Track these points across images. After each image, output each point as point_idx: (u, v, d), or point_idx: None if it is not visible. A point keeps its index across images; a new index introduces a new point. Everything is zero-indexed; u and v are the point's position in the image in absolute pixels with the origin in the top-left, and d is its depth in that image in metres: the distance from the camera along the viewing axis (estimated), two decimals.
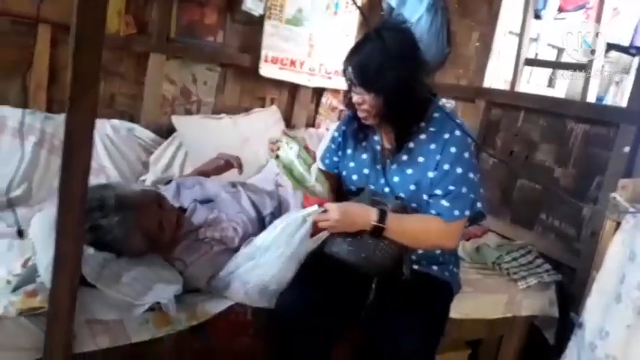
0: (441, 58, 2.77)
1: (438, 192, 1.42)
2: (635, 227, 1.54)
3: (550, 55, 3.49)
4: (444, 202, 1.41)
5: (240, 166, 1.92)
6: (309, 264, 1.48)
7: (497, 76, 2.68)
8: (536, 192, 2.28)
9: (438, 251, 1.55)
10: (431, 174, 1.43)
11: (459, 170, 1.40)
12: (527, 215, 2.31)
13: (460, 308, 1.71)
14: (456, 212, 1.41)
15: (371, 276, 1.46)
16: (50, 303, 1.12)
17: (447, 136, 1.42)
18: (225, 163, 1.93)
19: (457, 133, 1.42)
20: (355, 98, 1.43)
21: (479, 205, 1.45)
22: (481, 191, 1.48)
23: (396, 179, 1.48)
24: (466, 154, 1.42)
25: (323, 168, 1.64)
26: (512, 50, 2.61)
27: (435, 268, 1.54)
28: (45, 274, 1.24)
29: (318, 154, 1.68)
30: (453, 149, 1.41)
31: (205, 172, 1.92)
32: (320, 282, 1.43)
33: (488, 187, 2.51)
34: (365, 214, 1.39)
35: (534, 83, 3.22)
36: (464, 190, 1.41)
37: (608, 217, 1.67)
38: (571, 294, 1.95)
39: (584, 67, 2.41)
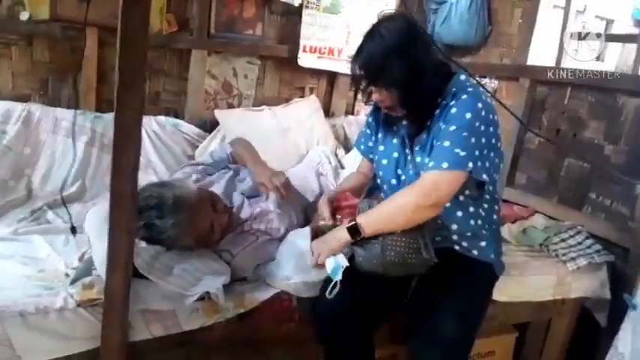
0: (482, 37, 2.70)
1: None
2: None
3: (598, 28, 3.32)
4: (425, 160, 1.38)
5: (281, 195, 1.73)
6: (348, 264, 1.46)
7: (541, 53, 2.58)
8: (585, 171, 2.20)
9: (469, 233, 1.49)
10: (435, 141, 1.40)
11: (452, 128, 1.34)
12: (575, 195, 2.23)
13: (506, 291, 1.69)
14: (431, 164, 1.34)
15: (406, 275, 1.44)
16: (106, 294, 1.18)
17: (452, 102, 1.38)
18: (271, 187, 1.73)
19: (463, 97, 1.37)
20: (374, 97, 1.43)
21: (470, 165, 1.32)
22: (490, 162, 1.37)
23: (418, 159, 1.47)
24: (467, 115, 1.34)
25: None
26: (557, 25, 2.50)
27: (475, 252, 1.51)
28: (100, 267, 1.30)
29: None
30: (453, 110, 1.37)
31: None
32: (359, 282, 1.41)
33: (534, 168, 2.45)
34: (339, 234, 1.39)
35: (581, 58, 3.08)
36: (446, 144, 1.33)
37: None
38: (624, 274, 1.88)
39: (634, 39, 2.28)
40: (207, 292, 1.35)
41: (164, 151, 2.35)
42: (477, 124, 1.35)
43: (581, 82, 2.26)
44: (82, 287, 1.31)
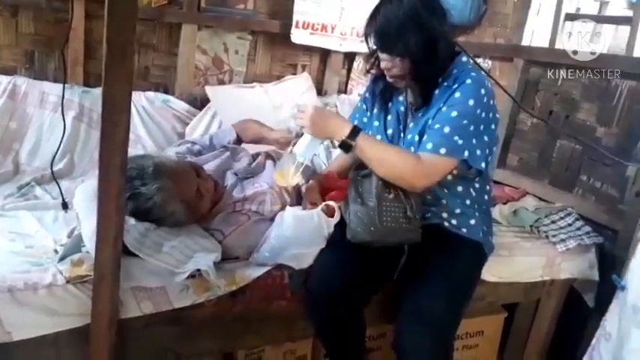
0: (477, 16, 2.67)
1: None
2: None
3: (592, 9, 3.31)
4: (424, 138, 1.38)
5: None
6: (339, 240, 1.47)
7: (536, 34, 2.57)
8: (577, 153, 2.21)
9: (458, 210, 1.50)
10: (431, 120, 1.40)
11: (453, 113, 1.35)
12: (566, 177, 2.24)
13: (496, 271, 1.70)
14: (429, 145, 1.35)
15: (402, 247, 1.45)
16: (95, 271, 1.17)
17: (455, 86, 1.37)
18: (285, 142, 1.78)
19: (468, 82, 1.37)
20: (383, 64, 1.41)
21: (466, 153, 1.35)
22: (485, 149, 1.39)
23: (409, 136, 1.47)
24: (470, 102, 1.35)
25: None
26: (551, 5, 2.49)
27: (464, 229, 1.51)
28: (89, 243, 1.29)
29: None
30: (457, 94, 1.36)
31: (267, 141, 1.87)
32: (349, 258, 1.43)
33: (526, 149, 2.45)
34: (338, 125, 1.39)
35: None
36: (447, 129, 1.34)
37: None
38: (613, 256, 1.90)
39: (629, 20, 2.28)
40: (198, 270, 1.34)
41: (153, 127, 2.31)
42: (479, 111, 1.36)
43: (575, 63, 2.25)
44: (71, 264, 1.29)
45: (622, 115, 2.05)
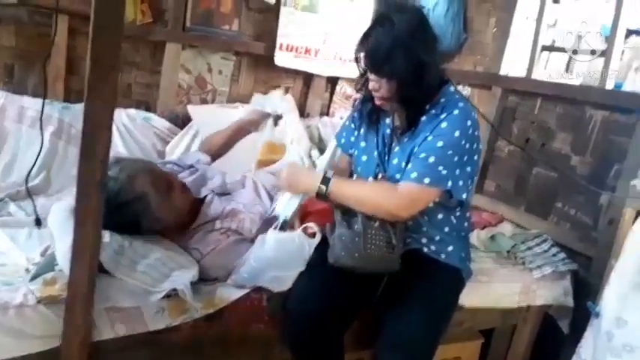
0: (457, 44, 2.74)
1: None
2: None
3: (568, 41, 3.42)
4: (409, 166, 1.41)
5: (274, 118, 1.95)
6: (319, 263, 1.47)
7: (514, 63, 2.63)
8: (552, 180, 2.26)
9: (438, 237, 1.52)
10: (417, 148, 1.42)
11: (439, 143, 1.37)
12: (542, 204, 2.29)
13: (474, 297, 1.71)
14: (413, 174, 1.37)
15: (381, 274, 1.46)
16: (69, 291, 1.14)
17: (443, 115, 1.40)
18: (260, 116, 1.94)
19: (455, 112, 1.40)
20: (371, 85, 1.44)
21: (449, 184, 1.37)
22: (467, 179, 1.42)
23: (395, 161, 1.49)
24: (456, 133, 1.37)
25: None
26: (529, 36, 2.56)
27: (442, 255, 1.52)
28: (63, 262, 1.26)
29: (333, 142, 1.70)
30: (443, 124, 1.39)
31: (243, 129, 1.96)
32: (329, 281, 1.43)
33: (503, 176, 2.49)
34: (309, 179, 1.45)
35: (551, 70, 3.17)
36: (431, 159, 1.37)
37: (628, 206, 1.65)
38: (587, 283, 1.93)
39: (602, 53, 2.36)
40: (175, 289, 1.32)
41: (133, 144, 2.29)
42: (463, 142, 1.39)
43: (551, 92, 2.32)
44: (44, 283, 1.26)
45: (596, 144, 2.11)
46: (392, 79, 1.38)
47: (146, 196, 1.44)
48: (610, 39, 2.27)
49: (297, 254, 1.47)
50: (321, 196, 1.42)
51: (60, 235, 1.36)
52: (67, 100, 2.23)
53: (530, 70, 2.54)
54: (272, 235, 1.47)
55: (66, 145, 2.12)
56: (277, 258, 1.45)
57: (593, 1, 3.13)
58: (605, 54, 2.31)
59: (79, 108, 2.14)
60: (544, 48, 2.58)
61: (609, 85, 2.29)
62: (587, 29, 3.34)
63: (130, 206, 1.42)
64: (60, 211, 1.49)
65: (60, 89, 2.23)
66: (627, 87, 3.36)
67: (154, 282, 1.32)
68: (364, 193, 1.42)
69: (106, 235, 1.35)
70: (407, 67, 1.35)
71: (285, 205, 1.52)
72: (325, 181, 1.41)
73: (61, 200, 1.67)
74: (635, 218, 1.62)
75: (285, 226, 1.52)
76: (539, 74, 2.58)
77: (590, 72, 3.02)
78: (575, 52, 3.14)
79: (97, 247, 1.14)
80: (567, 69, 3.35)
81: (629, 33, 2.54)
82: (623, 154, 1.96)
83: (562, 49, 3.07)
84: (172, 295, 1.34)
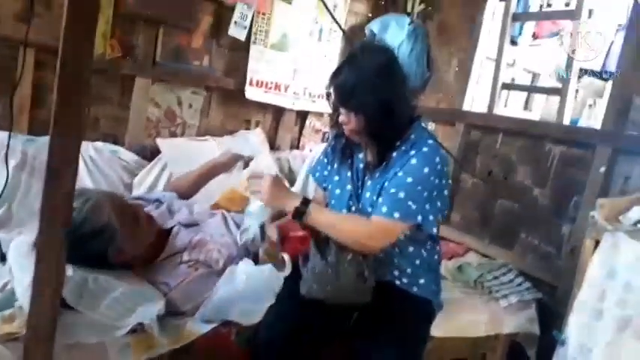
0: (421, 82, 2.83)
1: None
2: (614, 245, 1.57)
3: (526, 80, 3.59)
4: (379, 200, 1.44)
5: (245, 161, 1.98)
6: (288, 294, 1.47)
7: (476, 100, 2.74)
8: (516, 211, 2.33)
9: (409, 270, 1.54)
10: (387, 183, 1.46)
11: (409, 179, 1.41)
12: (506, 234, 2.35)
13: (443, 327, 1.72)
14: (384, 209, 1.41)
15: (352, 306, 1.46)
16: (28, 327, 1.09)
17: (413, 152, 1.45)
18: (233, 158, 1.94)
19: (424, 149, 1.44)
20: (341, 118, 1.49)
21: (419, 218, 1.41)
22: (437, 214, 1.46)
23: (367, 195, 1.52)
24: (425, 169, 1.42)
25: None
26: (489, 75, 2.68)
27: (414, 288, 1.54)
28: (23, 298, 1.22)
29: (302, 174, 1.73)
30: (413, 161, 1.43)
31: (214, 169, 1.94)
32: (298, 312, 1.43)
33: (468, 208, 2.56)
34: (291, 196, 1.47)
35: (511, 106, 3.31)
36: (401, 194, 1.40)
37: (587, 236, 1.70)
38: (552, 311, 1.97)
39: (558, 91, 2.48)
40: (141, 324, 1.29)
41: (99, 177, 2.25)
42: (432, 178, 1.43)
43: (511, 128, 2.41)
44: (1, 320, 1.21)
45: (555, 177, 2.19)
46: (359, 113, 1.44)
47: (111, 226, 1.41)
48: (565, 79, 2.40)
49: (266, 287, 1.47)
50: (297, 214, 1.43)
51: (20, 270, 1.32)
52: (31, 133, 2.19)
53: (491, 106, 2.65)
54: (242, 268, 1.46)
55: (28, 177, 2.06)
56: (246, 291, 1.44)
57: (549, 43, 3.31)
58: (561, 92, 2.43)
59: (43, 141, 2.10)
60: (504, 86, 2.70)
61: (566, 121, 2.40)
62: (543, 69, 3.52)
63: (95, 237, 1.39)
64: (21, 246, 1.45)
65: (24, 122, 2.19)
66: (582, 123, 3.54)
67: (118, 316, 1.29)
68: (339, 222, 1.46)
69: (69, 270, 1.32)
70: (372, 103, 1.41)
71: (259, 211, 1.55)
72: (304, 202, 1.43)
73: (22, 235, 1.62)
74: (595, 248, 1.67)
75: (262, 233, 1.58)
76: (499, 110, 2.69)
77: (547, 108, 3.17)
78: (532, 89, 3.31)
79: (59, 283, 1.10)
80: (526, 106, 3.51)
81: (583, 72, 2.68)
82: (581, 186, 2.05)
83: (520, 87, 3.23)
84: (138, 329, 1.30)
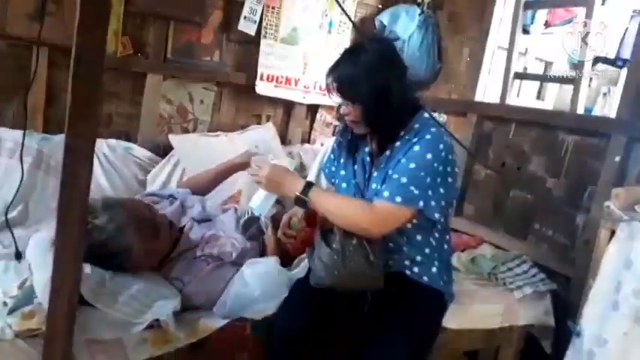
0: (432, 73, 2.82)
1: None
2: (630, 235, 1.55)
3: (538, 69, 3.54)
4: (382, 187, 1.44)
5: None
6: (304, 287, 1.49)
7: (488, 90, 2.72)
8: (529, 202, 2.31)
9: (419, 258, 1.54)
10: (390, 171, 1.46)
11: (412, 165, 1.41)
12: (520, 225, 2.33)
13: (457, 319, 1.72)
14: (386, 193, 1.40)
15: (363, 292, 1.47)
16: (48, 324, 1.12)
17: (415, 140, 1.44)
18: (249, 157, 1.91)
19: (427, 137, 1.44)
20: (342, 110, 1.50)
21: (421, 203, 1.39)
22: (440, 200, 1.43)
23: (373, 186, 1.53)
24: (428, 155, 1.41)
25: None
26: (501, 65, 2.65)
27: (425, 278, 1.54)
28: (42, 295, 1.24)
29: (314, 168, 1.74)
30: (416, 148, 1.43)
31: (231, 169, 1.96)
32: (312, 307, 1.45)
33: (481, 199, 2.54)
34: (292, 182, 1.47)
35: (524, 96, 3.27)
36: (404, 180, 1.40)
37: (602, 226, 1.69)
38: (567, 302, 1.96)
39: (572, 80, 2.45)
40: (157, 320, 1.31)
41: (114, 175, 2.28)
42: (436, 164, 1.42)
43: (524, 118, 2.39)
44: (21, 317, 1.24)
45: (569, 167, 2.17)
46: (357, 105, 1.45)
47: (131, 248, 1.43)
48: (578, 66, 2.37)
49: (278, 285, 1.49)
50: (299, 201, 1.44)
51: (38, 266, 1.35)
52: (45, 131, 2.22)
53: (503, 96, 2.62)
54: (250, 273, 1.48)
55: (45, 175, 2.10)
56: (261, 295, 1.47)
57: (561, 31, 3.26)
58: (574, 81, 2.40)
59: (58, 139, 2.13)
60: (516, 75, 2.67)
61: (580, 110, 2.37)
62: (556, 58, 3.47)
63: (114, 257, 1.41)
64: (39, 243, 1.48)
65: (39, 121, 2.22)
66: (597, 112, 3.49)
67: (135, 313, 1.31)
68: (340, 206, 1.45)
69: (87, 268, 1.34)
70: (369, 93, 1.41)
71: (261, 202, 1.53)
72: (307, 187, 1.44)
73: (40, 232, 1.65)
74: (610, 238, 1.65)
75: (258, 222, 1.61)
76: (512, 100, 2.66)
77: (560, 98, 3.13)
78: (545, 79, 3.26)
79: (77, 280, 1.12)
80: (539, 95, 3.46)
81: (597, 60, 2.64)
82: (595, 176, 2.03)
83: (533, 77, 3.19)
84: (154, 325, 1.32)
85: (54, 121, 2.25)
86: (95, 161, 2.20)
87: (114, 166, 2.29)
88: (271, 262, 1.56)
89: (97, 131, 1.06)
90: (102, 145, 2.30)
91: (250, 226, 1.73)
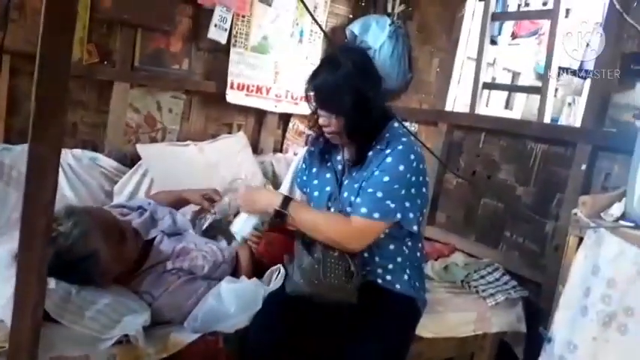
0: (403, 83, 2.85)
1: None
2: (597, 242, 1.58)
3: (506, 79, 3.63)
4: (357, 200, 1.45)
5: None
6: (278, 299, 1.46)
7: (458, 100, 2.76)
8: (500, 210, 2.34)
9: (391, 266, 1.54)
10: (365, 183, 1.47)
11: (385, 178, 1.43)
12: (491, 233, 2.36)
13: (431, 327, 1.73)
14: (363, 209, 1.42)
15: (341, 303, 1.45)
16: (11, 342, 1.07)
17: (388, 151, 1.46)
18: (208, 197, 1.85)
19: (399, 147, 1.45)
20: (321, 120, 1.50)
21: (398, 216, 1.43)
22: (417, 211, 1.46)
23: (345, 194, 1.54)
24: (401, 167, 1.43)
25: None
26: (471, 75, 2.70)
27: (397, 285, 1.54)
28: (4, 312, 1.18)
29: (288, 177, 1.73)
30: (389, 159, 1.45)
31: (185, 200, 1.90)
32: (288, 314, 1.42)
33: (453, 207, 2.57)
34: (268, 197, 1.51)
35: (493, 106, 3.34)
36: (379, 194, 1.42)
37: (570, 233, 1.72)
38: (538, 309, 1.99)
39: (538, 90, 2.51)
40: (126, 335, 1.26)
41: (79, 185, 2.22)
42: (408, 175, 1.44)
43: (493, 127, 2.43)
44: None
45: (538, 175, 2.22)
46: (339, 115, 1.45)
47: (98, 253, 1.37)
48: (544, 77, 2.43)
49: (254, 300, 1.46)
50: (278, 215, 1.45)
51: (1, 282, 1.28)
52: (7, 141, 2.13)
53: (473, 106, 2.66)
54: (227, 289, 1.45)
55: (5, 187, 2.02)
56: (236, 310, 1.44)
57: (528, 42, 3.36)
58: (541, 91, 2.46)
59: (20, 149, 2.05)
60: (485, 85, 2.72)
61: (547, 120, 2.43)
62: (522, 68, 3.57)
63: (81, 263, 1.35)
64: (1, 258, 1.41)
65: (0, 130, 2.14)
66: (562, 121, 3.59)
67: (103, 328, 1.26)
68: (319, 221, 1.46)
69: (52, 282, 1.29)
70: (352, 104, 1.42)
71: (242, 225, 1.55)
72: (285, 202, 1.45)
73: (0, 245, 1.57)
74: (578, 245, 1.69)
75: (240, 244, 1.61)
76: (481, 110, 2.71)
77: (528, 107, 3.21)
78: (513, 89, 3.34)
79: (41, 296, 1.07)
80: (507, 105, 3.54)
81: (561, 71, 2.72)
82: (563, 183, 2.07)
83: (501, 87, 3.27)
84: (123, 341, 1.27)
85: (16, 131, 2.17)
86: (60, 172, 2.12)
87: (79, 177, 2.23)
88: (250, 282, 1.53)
89: (62, 140, 1.02)
90: (67, 155, 2.23)
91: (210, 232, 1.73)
